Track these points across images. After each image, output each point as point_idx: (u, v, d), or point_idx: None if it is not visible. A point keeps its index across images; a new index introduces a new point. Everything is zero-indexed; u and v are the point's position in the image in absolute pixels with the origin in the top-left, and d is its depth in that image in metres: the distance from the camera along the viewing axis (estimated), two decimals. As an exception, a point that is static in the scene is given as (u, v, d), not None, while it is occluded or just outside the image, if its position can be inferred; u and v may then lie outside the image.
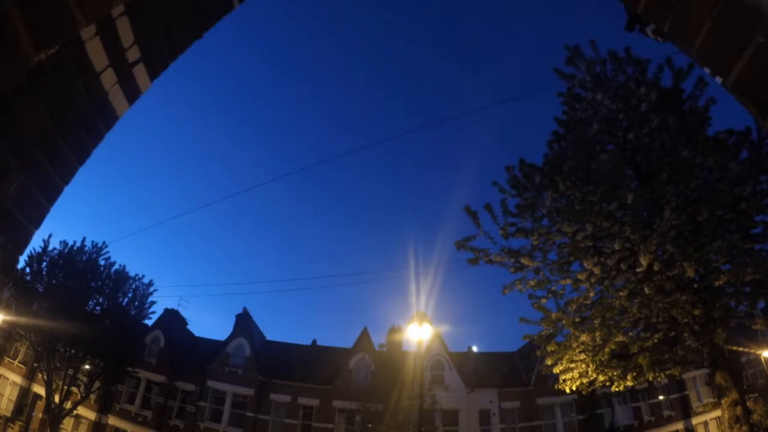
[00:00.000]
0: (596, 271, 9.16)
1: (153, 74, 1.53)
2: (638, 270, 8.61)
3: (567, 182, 9.25)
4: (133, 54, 1.41)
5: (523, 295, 10.35)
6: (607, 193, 9.10)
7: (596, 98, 10.18)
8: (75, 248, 27.31)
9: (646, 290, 8.80)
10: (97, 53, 1.28)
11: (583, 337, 9.79)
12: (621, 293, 9.40)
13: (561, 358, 10.64)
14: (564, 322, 10.08)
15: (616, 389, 11.06)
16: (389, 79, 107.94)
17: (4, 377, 30.39)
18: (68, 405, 25.55)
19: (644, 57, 10.28)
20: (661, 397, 27.87)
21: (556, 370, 11.06)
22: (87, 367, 26.85)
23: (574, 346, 10.18)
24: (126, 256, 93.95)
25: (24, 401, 29.96)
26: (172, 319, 33.92)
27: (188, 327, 36.83)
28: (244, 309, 32.88)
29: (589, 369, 10.33)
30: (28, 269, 25.81)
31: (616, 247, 8.67)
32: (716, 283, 8.84)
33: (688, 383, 27.22)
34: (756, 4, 1.08)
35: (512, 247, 9.99)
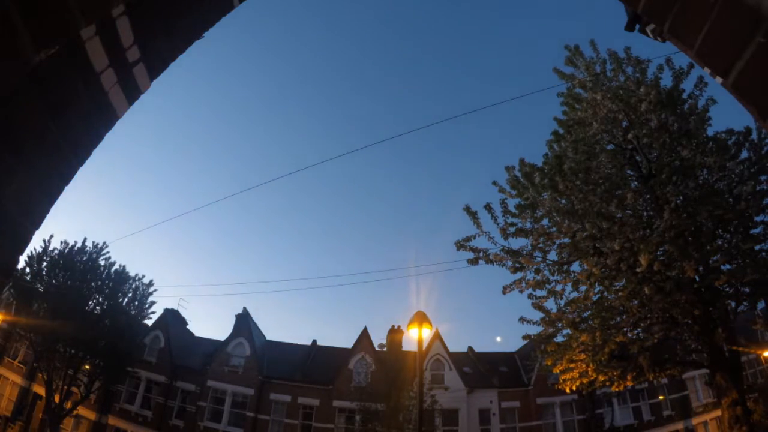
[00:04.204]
0: (596, 271, 9.16)
1: (153, 74, 1.53)
2: (638, 270, 8.61)
3: (567, 182, 9.24)
4: (133, 54, 1.41)
5: (524, 294, 10.35)
6: (607, 193, 9.10)
7: (596, 98, 10.17)
8: (75, 248, 27.33)
9: (646, 290, 8.80)
10: (97, 53, 1.28)
11: (583, 338, 9.79)
12: (621, 293, 9.40)
13: (561, 358, 10.64)
14: (563, 322, 10.08)
15: (616, 389, 11.06)
16: (388, 79, 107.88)
17: (4, 377, 30.38)
18: (68, 405, 25.56)
19: (644, 57, 10.30)
20: (661, 397, 27.87)
21: (555, 370, 11.06)
22: (87, 367, 26.85)
23: (574, 346, 10.18)
24: (126, 256, 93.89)
25: (24, 401, 29.95)
26: (172, 319, 33.92)
27: (188, 327, 36.85)
28: (244, 309, 32.91)
29: (589, 369, 10.33)
30: (28, 269, 25.81)
31: (616, 247, 8.66)
32: (716, 283, 8.84)
33: (688, 383, 27.22)
34: (756, 4, 1.08)
35: (512, 247, 9.99)
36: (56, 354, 24.78)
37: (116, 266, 28.25)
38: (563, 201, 9.52)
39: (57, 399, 24.71)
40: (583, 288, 10.06)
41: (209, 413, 28.74)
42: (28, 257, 26.02)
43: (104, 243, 28.09)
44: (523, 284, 10.11)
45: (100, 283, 27.24)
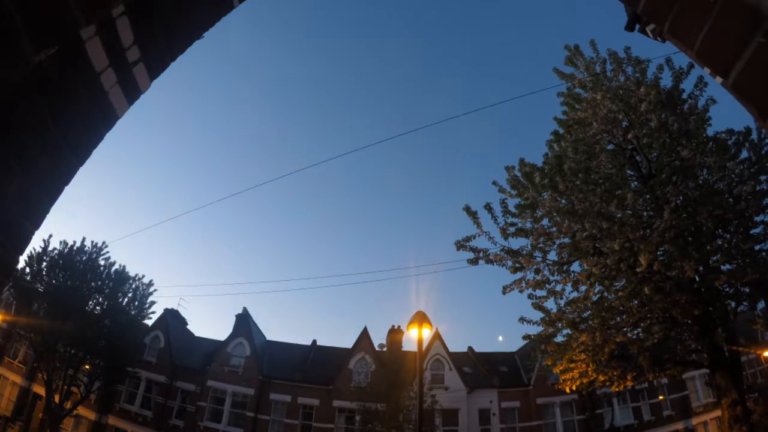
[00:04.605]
0: (596, 271, 9.16)
1: (153, 74, 1.53)
2: (638, 270, 8.61)
3: (567, 182, 9.24)
4: (133, 54, 1.41)
5: (524, 294, 10.34)
6: (607, 193, 9.10)
7: (596, 98, 10.17)
8: (75, 248, 27.32)
9: (646, 290, 8.80)
10: (97, 53, 1.28)
11: (583, 338, 9.79)
12: (621, 293, 9.40)
13: (561, 358, 10.65)
14: (563, 322, 10.08)
15: (616, 389, 11.06)
16: (389, 77, 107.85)
17: (4, 377, 30.38)
18: (68, 405, 25.56)
19: (644, 57, 10.30)
20: (661, 397, 27.89)
21: (555, 370, 11.07)
22: (87, 367, 26.85)
23: (574, 346, 10.18)
24: (126, 256, 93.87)
25: (24, 401, 29.95)
26: (172, 319, 33.93)
27: (188, 327, 36.85)
28: (244, 309, 32.91)
29: (589, 369, 10.34)
30: (28, 269, 25.81)
31: (616, 247, 8.67)
32: (716, 283, 8.84)
33: (688, 383, 27.23)
34: (756, 4, 1.08)
35: (512, 247, 9.99)
36: (56, 354, 24.77)
37: (116, 266, 28.28)
38: (563, 201, 9.53)
39: (57, 399, 24.70)
40: (583, 288, 10.06)
41: (209, 413, 28.74)
42: (28, 257, 26.03)
43: (104, 243, 28.11)
44: (523, 284, 10.11)
45: (100, 283, 27.24)
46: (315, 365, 31.58)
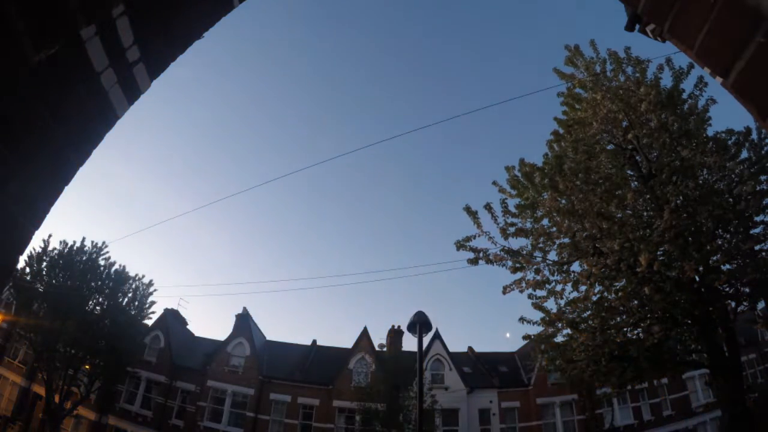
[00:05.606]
0: (596, 271, 9.16)
1: (153, 74, 1.53)
2: (638, 270, 8.62)
3: (567, 182, 9.25)
4: (133, 54, 1.41)
5: (524, 294, 10.34)
6: (607, 193, 9.10)
7: (596, 98, 10.18)
8: (75, 248, 27.32)
9: (646, 290, 8.80)
10: (97, 53, 1.28)
11: (583, 338, 9.79)
12: (621, 293, 9.41)
13: (560, 358, 10.65)
14: (563, 322, 10.08)
15: (616, 389, 11.07)
16: (384, 78, 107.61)
17: (4, 377, 30.39)
18: (68, 405, 25.56)
19: (644, 57, 10.31)
20: (661, 397, 27.90)
21: (555, 370, 11.06)
22: (87, 367, 26.85)
23: (574, 346, 10.18)
24: (126, 256, 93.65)
25: (24, 401, 29.95)
26: (172, 319, 33.93)
27: (188, 327, 36.85)
28: (244, 309, 32.92)
29: (589, 369, 10.34)
30: (28, 269, 25.81)
31: (616, 247, 8.67)
32: (716, 283, 8.84)
33: (688, 383, 27.24)
34: (756, 4, 1.09)
35: (512, 247, 10.00)
36: (56, 354, 24.77)
37: (116, 266, 28.28)
38: (563, 201, 9.53)
39: (57, 399, 24.70)
40: (583, 288, 10.06)
41: (209, 413, 28.74)
42: (28, 257, 26.02)
43: (104, 243, 28.11)
44: (523, 284, 10.11)
45: (99, 283, 27.23)
46: (315, 365, 31.58)
